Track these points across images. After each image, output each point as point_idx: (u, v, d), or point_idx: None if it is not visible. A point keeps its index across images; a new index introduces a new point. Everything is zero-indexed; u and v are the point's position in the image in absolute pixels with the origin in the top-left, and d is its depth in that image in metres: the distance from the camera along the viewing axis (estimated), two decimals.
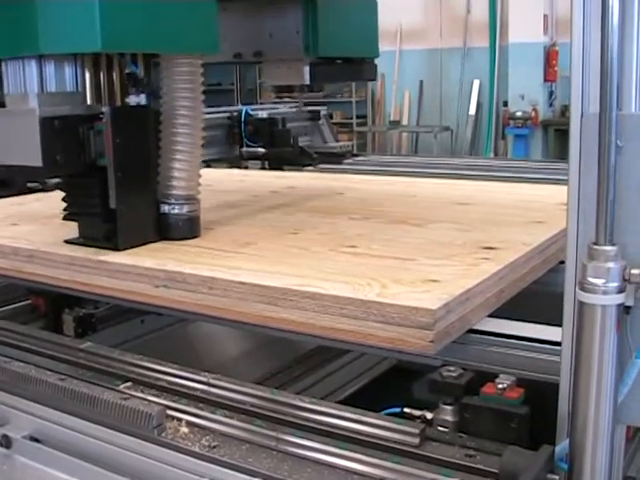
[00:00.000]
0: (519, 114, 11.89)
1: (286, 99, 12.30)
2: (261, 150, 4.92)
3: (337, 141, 5.93)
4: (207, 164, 4.92)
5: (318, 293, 1.75)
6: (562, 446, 1.43)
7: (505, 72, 12.61)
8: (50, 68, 2.18)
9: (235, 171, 4.59)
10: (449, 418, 1.66)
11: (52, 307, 2.78)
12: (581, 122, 1.35)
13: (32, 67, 2.17)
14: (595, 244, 1.32)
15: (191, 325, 3.01)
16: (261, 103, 6.08)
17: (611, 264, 1.30)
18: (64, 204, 2.35)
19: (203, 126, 2.42)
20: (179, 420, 1.73)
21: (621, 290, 1.31)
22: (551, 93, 12.11)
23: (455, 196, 3.07)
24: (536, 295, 2.14)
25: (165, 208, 2.34)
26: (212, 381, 1.85)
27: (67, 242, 2.32)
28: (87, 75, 2.22)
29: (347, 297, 1.71)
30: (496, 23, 13.14)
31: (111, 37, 2.02)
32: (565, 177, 1.41)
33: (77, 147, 2.17)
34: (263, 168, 4.92)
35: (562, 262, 2.09)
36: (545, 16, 11.83)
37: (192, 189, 2.38)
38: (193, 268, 2.00)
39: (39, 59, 2.17)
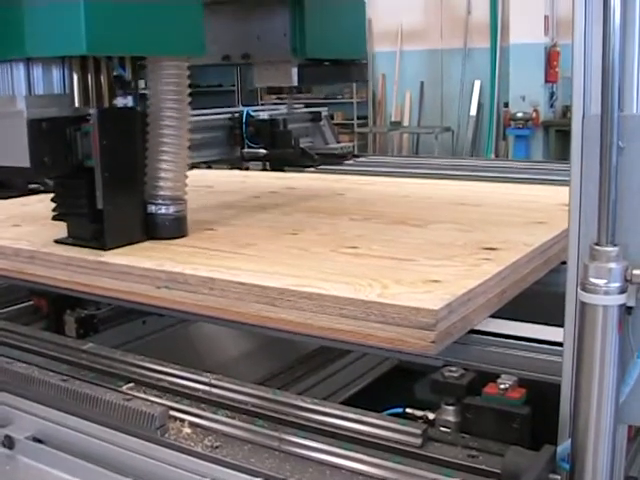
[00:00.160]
0: (520, 115, 11.89)
1: (286, 100, 12.31)
2: (262, 151, 4.92)
3: (338, 142, 5.93)
4: (208, 165, 4.93)
5: (319, 294, 1.75)
6: (564, 446, 1.43)
7: (506, 73, 12.61)
8: (38, 71, 2.22)
9: (236, 172, 4.59)
10: (451, 418, 1.67)
11: (54, 308, 2.78)
12: (583, 123, 1.35)
13: (20, 70, 2.21)
14: (597, 245, 1.32)
15: (193, 326, 3.01)
16: (262, 104, 6.08)
17: (613, 264, 1.30)
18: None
19: (189, 128, 2.45)
20: (182, 421, 1.74)
21: (623, 290, 1.31)
22: (552, 94, 12.11)
23: (456, 197, 3.07)
24: (538, 295, 2.14)
25: (152, 208, 2.37)
26: (214, 382, 1.85)
27: (57, 242, 2.35)
28: (75, 77, 2.25)
29: (348, 298, 1.71)
30: (497, 24, 13.15)
31: (97, 40, 2.05)
32: (566, 178, 1.41)
33: (64, 148, 2.21)
34: (264, 169, 4.92)
35: (563, 262, 2.10)
36: (546, 17, 11.83)
37: (179, 190, 2.42)
38: (194, 269, 2.01)
39: (27, 62, 2.21)
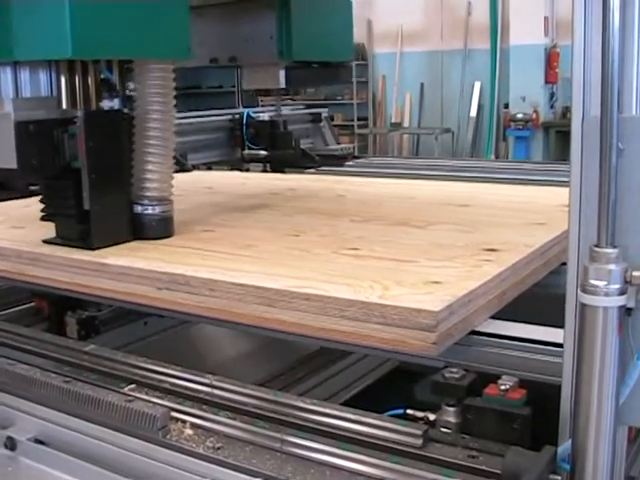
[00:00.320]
0: (520, 116, 11.92)
1: (288, 102, 12.31)
2: (263, 152, 4.93)
3: (338, 143, 5.94)
4: (208, 166, 4.94)
5: (320, 295, 1.76)
6: (564, 447, 1.43)
7: (506, 74, 12.63)
8: (25, 74, 2.28)
9: (236, 173, 4.60)
10: (452, 419, 1.67)
11: (55, 309, 2.79)
12: (582, 125, 1.35)
13: (7, 73, 2.26)
14: (597, 246, 1.32)
15: (194, 327, 3.02)
16: (262, 105, 6.08)
17: (612, 266, 1.31)
18: None
19: (175, 130, 2.48)
20: (183, 422, 1.74)
21: (622, 292, 1.31)
22: (552, 95, 12.13)
23: (456, 198, 3.07)
24: (538, 297, 2.14)
25: (139, 209, 2.41)
26: (215, 383, 1.86)
27: (45, 242, 2.38)
28: (62, 80, 2.29)
29: (349, 299, 1.71)
30: (497, 25, 13.17)
31: (82, 44, 2.08)
32: (566, 179, 1.42)
33: (52, 150, 2.24)
34: (265, 170, 4.93)
35: (563, 264, 2.10)
36: (546, 18, 11.85)
37: (165, 190, 2.45)
38: (195, 270, 2.01)
39: (14, 65, 2.26)
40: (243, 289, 1.87)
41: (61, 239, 2.36)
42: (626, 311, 1.33)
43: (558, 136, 11.83)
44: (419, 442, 1.56)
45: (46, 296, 2.75)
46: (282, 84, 2.98)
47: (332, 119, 6.15)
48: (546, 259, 2.21)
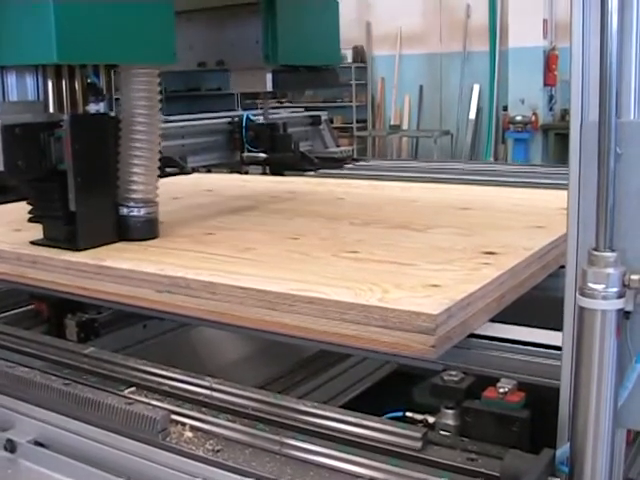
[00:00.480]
0: (519, 118, 11.93)
1: (286, 104, 12.30)
2: (262, 155, 4.94)
3: (338, 146, 5.94)
4: (208, 169, 4.95)
5: (320, 298, 1.76)
6: (563, 449, 1.44)
7: (505, 76, 12.65)
8: (12, 78, 2.32)
9: (236, 176, 4.61)
10: (451, 422, 1.68)
11: (55, 312, 2.79)
12: (581, 129, 1.36)
13: None
14: (595, 250, 1.33)
15: (193, 330, 3.02)
16: (261, 108, 6.09)
17: (611, 270, 1.31)
18: None
19: (160, 133, 2.52)
20: (183, 424, 1.74)
21: (621, 295, 1.32)
22: (551, 97, 12.14)
23: (455, 201, 3.08)
24: (536, 300, 2.15)
25: (124, 211, 2.46)
26: (215, 386, 1.86)
27: (32, 243, 2.42)
28: (49, 84, 2.32)
29: (349, 302, 1.72)
30: (496, 27, 13.19)
31: (67, 49, 2.12)
32: (565, 182, 1.42)
33: (38, 153, 2.29)
34: (264, 173, 4.94)
35: (562, 267, 2.11)
36: (545, 20, 11.86)
37: (150, 193, 2.50)
38: (195, 273, 2.02)
39: (1, 70, 2.29)
40: (244, 292, 1.87)
41: (48, 240, 2.41)
42: (624, 314, 1.34)
43: (557, 138, 11.85)
44: (418, 445, 1.57)
45: (45, 299, 2.75)
46: (269, 87, 3.04)
47: (331, 121, 6.15)
48: (545, 262, 2.22)
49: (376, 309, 1.68)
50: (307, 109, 6.48)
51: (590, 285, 1.32)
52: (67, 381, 1.97)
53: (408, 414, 1.74)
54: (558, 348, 1.51)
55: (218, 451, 1.64)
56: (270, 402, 1.78)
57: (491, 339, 1.79)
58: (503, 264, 2.02)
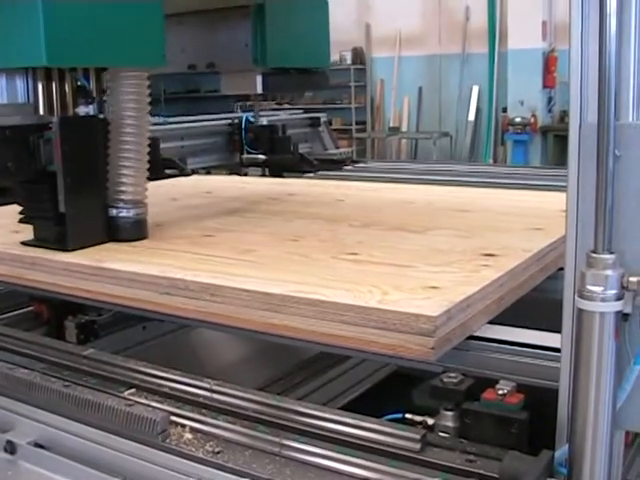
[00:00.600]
0: (518, 120, 11.93)
1: (286, 106, 12.30)
2: (261, 157, 4.95)
3: (337, 148, 5.95)
4: (207, 171, 4.96)
5: (319, 300, 1.76)
6: (562, 451, 1.44)
7: (504, 78, 12.65)
8: (2, 81, 2.34)
9: (235, 178, 4.61)
10: (450, 424, 1.68)
11: (55, 314, 2.79)
12: (580, 132, 1.37)
13: None
14: (594, 252, 1.33)
15: (193, 332, 3.02)
16: (260, 110, 6.11)
17: (609, 272, 1.32)
18: None
19: (149, 135, 2.55)
20: (183, 426, 1.74)
21: (619, 297, 1.32)
22: (550, 99, 12.15)
23: (455, 203, 3.08)
24: (535, 301, 2.15)
25: (113, 211, 2.48)
26: (215, 387, 1.86)
27: (23, 244, 2.44)
28: (40, 87, 2.34)
29: (348, 304, 1.72)
30: (495, 29, 13.20)
31: (56, 52, 2.15)
32: (564, 184, 1.43)
33: (28, 155, 2.31)
34: (263, 175, 4.95)
35: (561, 269, 2.11)
36: (544, 22, 11.87)
37: (139, 194, 2.52)
38: (195, 275, 2.02)
39: None
40: (243, 294, 1.88)
41: (38, 241, 2.43)
42: (623, 316, 1.35)
43: (556, 140, 11.86)
44: (417, 446, 1.57)
45: (45, 300, 2.75)
46: (259, 90, 3.07)
47: (330, 123, 6.16)
48: (544, 264, 2.22)
49: (375, 311, 1.68)
50: (306, 111, 6.49)
51: (589, 287, 1.33)
52: (67, 383, 1.97)
53: (407, 416, 1.75)
54: (557, 350, 1.51)
55: (218, 453, 1.64)
56: (270, 404, 1.78)
57: (490, 341, 1.79)
58: (502, 266, 2.02)
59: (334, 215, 2.88)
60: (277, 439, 1.66)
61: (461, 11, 13.58)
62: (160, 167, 4.43)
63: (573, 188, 1.39)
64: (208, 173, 4.89)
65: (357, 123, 14.94)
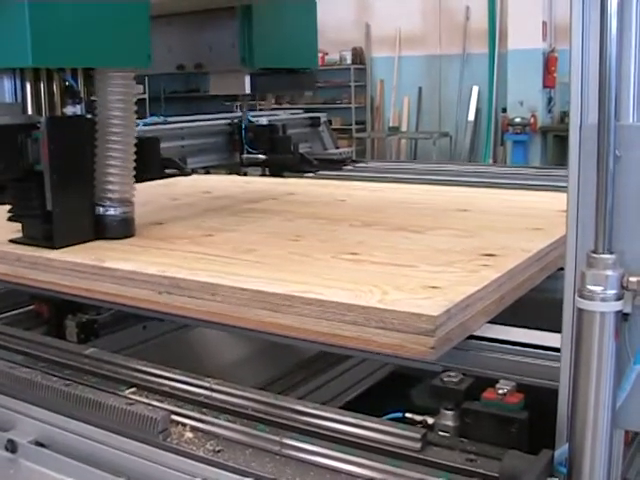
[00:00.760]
0: (518, 120, 11.94)
1: (285, 105, 12.32)
2: (261, 156, 4.95)
3: (337, 147, 5.96)
4: (206, 170, 4.96)
5: (320, 300, 1.77)
6: (561, 450, 1.45)
7: (504, 78, 12.66)
8: None
9: (235, 177, 4.61)
10: (450, 423, 1.68)
11: (55, 313, 2.80)
12: (580, 132, 1.37)
13: None
14: (594, 252, 1.34)
15: (193, 331, 3.03)
16: (260, 109, 6.12)
17: (609, 272, 1.32)
18: None
19: (136, 134, 2.58)
20: (183, 425, 1.75)
21: (619, 297, 1.33)
22: (550, 99, 12.16)
23: (454, 203, 3.09)
24: (535, 301, 2.16)
25: (100, 210, 2.51)
26: (215, 386, 1.87)
27: (12, 242, 2.47)
28: (28, 87, 2.37)
29: (349, 304, 1.72)
30: (495, 30, 13.20)
31: (42, 53, 2.18)
32: (563, 184, 1.43)
33: (16, 154, 2.34)
34: (263, 175, 4.95)
35: (561, 269, 2.12)
36: (544, 22, 11.88)
37: (126, 192, 2.55)
38: (195, 275, 2.02)
39: None
40: (244, 293, 1.88)
41: (27, 239, 2.46)
42: (623, 316, 1.35)
43: (556, 140, 11.86)
44: (418, 445, 1.57)
45: (46, 300, 2.76)
46: (247, 90, 3.13)
47: (330, 123, 6.16)
48: (543, 264, 2.23)
49: (376, 310, 1.68)
50: (306, 111, 6.49)
51: (589, 287, 1.33)
52: (68, 382, 1.98)
53: (407, 415, 1.75)
54: (557, 350, 1.52)
55: (218, 451, 1.65)
56: (270, 403, 1.79)
57: (490, 340, 1.80)
58: (502, 266, 2.03)
59: (334, 215, 2.89)
60: (277, 438, 1.66)
61: (461, 11, 13.59)
62: (160, 167, 4.43)
63: (573, 188, 1.39)
64: (207, 173, 4.89)
65: (357, 123, 14.95)
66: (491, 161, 12.98)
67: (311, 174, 4.73)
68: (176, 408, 1.82)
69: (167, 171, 4.45)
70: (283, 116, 5.84)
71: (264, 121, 5.20)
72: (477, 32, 13.47)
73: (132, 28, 2.42)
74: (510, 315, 1.95)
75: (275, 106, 12.18)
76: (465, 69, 13.70)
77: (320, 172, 4.80)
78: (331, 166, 5.09)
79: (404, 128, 14.46)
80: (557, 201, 2.89)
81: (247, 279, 1.95)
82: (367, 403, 2.37)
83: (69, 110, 2.43)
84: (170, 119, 5.25)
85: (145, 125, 4.90)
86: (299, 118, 5.89)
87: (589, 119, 1.37)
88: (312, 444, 1.64)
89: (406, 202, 3.18)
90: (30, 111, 2.37)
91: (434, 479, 1.50)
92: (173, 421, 1.76)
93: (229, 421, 1.76)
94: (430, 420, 1.71)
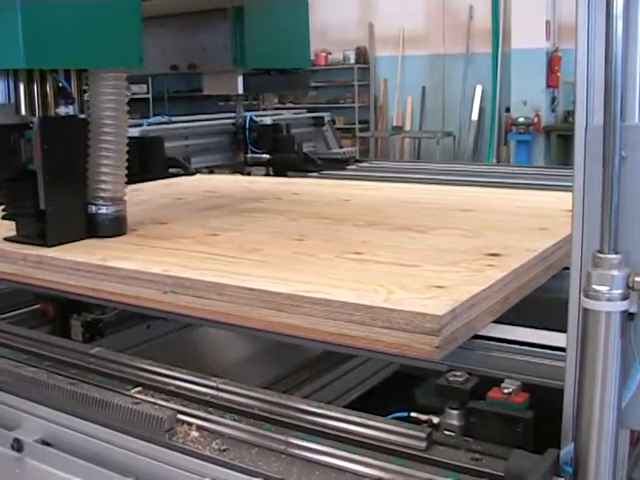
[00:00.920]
0: (521, 120, 11.95)
1: (289, 105, 12.32)
2: (265, 156, 4.95)
3: (341, 147, 5.96)
4: (210, 170, 4.96)
5: (325, 299, 1.77)
6: (567, 450, 1.45)
7: (507, 78, 12.66)
8: None
9: (239, 177, 4.62)
10: (455, 422, 1.69)
11: (60, 312, 2.81)
12: (585, 133, 1.37)
13: None
14: (599, 252, 1.34)
15: (197, 330, 3.03)
16: (264, 109, 6.12)
17: (615, 272, 1.32)
18: None
19: (128, 134, 2.61)
20: (189, 424, 1.75)
21: (625, 297, 1.33)
22: (553, 99, 12.15)
23: (459, 202, 3.09)
24: (540, 301, 2.16)
25: (93, 208, 2.55)
26: (221, 386, 1.87)
27: (6, 240, 2.50)
28: (21, 87, 2.40)
29: (354, 303, 1.73)
30: (498, 29, 13.19)
31: (35, 54, 2.21)
32: (567, 183, 1.44)
33: (9, 153, 2.38)
34: (267, 174, 4.95)
35: (565, 268, 2.12)
36: (547, 22, 11.88)
37: (118, 191, 2.59)
38: (200, 274, 2.03)
39: None
40: (249, 293, 1.88)
41: (21, 237, 2.49)
42: (628, 316, 1.35)
43: (559, 140, 11.86)
44: (423, 445, 1.58)
45: (51, 299, 2.77)
46: (240, 90, 3.16)
47: (333, 122, 6.16)
48: (548, 264, 2.23)
49: (381, 310, 1.69)
50: (309, 110, 6.49)
51: (594, 287, 1.34)
52: (73, 381, 1.98)
53: (413, 414, 1.75)
54: (562, 349, 1.52)
55: (224, 451, 1.65)
56: (276, 402, 1.79)
57: (495, 340, 1.80)
58: (507, 266, 2.03)
59: (339, 214, 2.89)
60: (283, 437, 1.67)
61: (464, 10, 13.59)
62: (164, 166, 4.43)
63: (579, 189, 1.39)
64: (211, 172, 4.89)
65: (360, 122, 14.94)
66: (494, 161, 12.99)
67: (315, 174, 4.73)
68: (182, 407, 1.83)
69: (171, 171, 4.45)
70: (287, 116, 5.84)
71: (268, 121, 5.20)
72: (480, 31, 13.46)
73: (124, 30, 2.45)
74: (515, 315, 1.96)
75: (278, 105, 12.20)
76: (468, 68, 13.70)
77: (324, 172, 4.80)
78: (335, 166, 5.09)
79: (407, 127, 14.47)
80: (561, 200, 2.90)
81: (252, 279, 1.95)
82: (371, 402, 2.38)
83: (62, 110, 2.46)
84: (174, 119, 5.26)
85: (149, 125, 4.91)
86: (303, 118, 5.89)
87: (595, 120, 1.37)
88: (318, 443, 1.64)
89: (410, 202, 3.18)
90: (23, 111, 2.41)
91: (439, 478, 1.50)
92: (179, 420, 1.76)
93: (235, 420, 1.76)
94: (435, 419, 1.72)
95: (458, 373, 1.73)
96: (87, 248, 2.40)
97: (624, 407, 1.39)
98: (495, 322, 1.89)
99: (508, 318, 1.92)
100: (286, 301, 1.83)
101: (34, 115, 2.40)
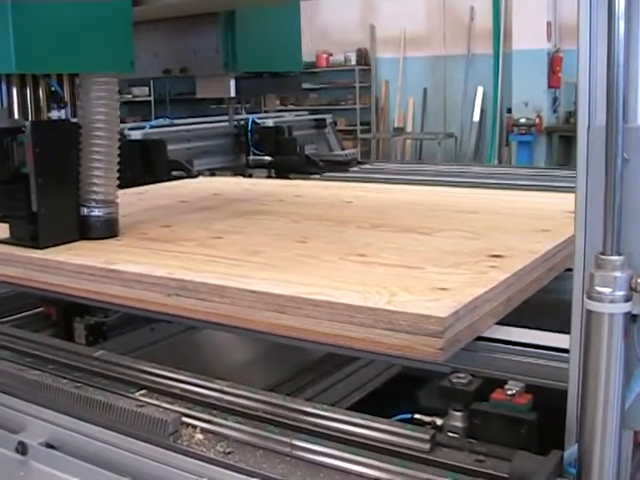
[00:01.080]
0: (523, 121, 11.95)
1: (290, 107, 12.32)
2: (267, 158, 4.96)
3: (343, 149, 5.96)
4: (212, 172, 4.96)
5: (329, 301, 1.77)
6: (571, 451, 1.45)
7: (509, 79, 12.66)
8: None
9: (241, 179, 4.62)
10: (459, 424, 1.69)
11: (64, 315, 2.81)
12: (588, 134, 1.37)
13: None
14: (602, 254, 1.34)
15: (200, 333, 3.04)
16: (266, 111, 6.13)
17: (618, 273, 1.33)
18: None
19: (119, 137, 2.64)
20: (194, 427, 1.76)
21: (628, 299, 1.33)
22: (555, 99, 12.16)
23: (461, 204, 3.09)
24: (542, 302, 2.16)
25: (85, 211, 2.58)
26: (225, 388, 1.87)
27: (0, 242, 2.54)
28: (14, 92, 2.43)
29: (357, 305, 1.73)
30: (500, 30, 13.20)
31: (25, 59, 2.24)
32: (569, 184, 1.44)
33: (2, 157, 2.42)
34: (269, 176, 4.95)
35: (568, 270, 2.12)
36: (549, 23, 11.89)
37: (110, 194, 2.62)
38: (204, 277, 2.03)
39: None
40: (253, 295, 1.89)
41: (14, 239, 2.52)
42: (631, 317, 1.35)
43: (561, 141, 11.86)
44: (427, 446, 1.58)
45: (54, 302, 2.77)
46: (232, 93, 3.18)
47: (335, 124, 6.17)
48: (551, 265, 2.23)
49: (384, 312, 1.69)
50: (311, 112, 6.50)
51: (597, 289, 1.34)
52: (78, 384, 1.99)
53: (416, 416, 1.75)
54: (565, 351, 1.52)
55: (229, 453, 1.66)
56: (280, 404, 1.79)
57: (498, 342, 1.80)
58: (509, 267, 2.03)
59: (341, 216, 2.89)
60: (287, 439, 1.67)
61: (465, 12, 13.59)
62: (167, 169, 4.45)
63: (582, 191, 1.40)
64: (213, 174, 4.90)
65: (362, 124, 14.95)
66: (496, 162, 12.99)
67: (317, 176, 4.73)
68: (186, 410, 1.83)
69: (173, 173, 4.46)
70: (289, 118, 5.85)
71: (270, 123, 5.21)
72: (482, 32, 13.47)
73: (115, 34, 2.47)
74: (518, 316, 1.96)
75: (280, 107, 12.20)
76: (470, 69, 13.70)
77: (326, 174, 4.80)
78: (337, 168, 5.09)
79: (409, 129, 14.47)
80: (563, 202, 2.89)
81: (255, 281, 1.96)
82: (375, 404, 2.38)
83: (54, 114, 2.49)
84: (176, 121, 5.27)
85: (151, 127, 4.91)
86: (305, 120, 5.90)
87: (597, 121, 1.37)
88: (322, 445, 1.64)
89: (413, 203, 3.19)
90: (16, 115, 2.44)
91: None
92: (183, 423, 1.76)
93: (239, 423, 1.76)
94: (439, 421, 1.72)
95: (461, 375, 1.74)
96: (91, 251, 2.40)
97: (627, 408, 1.39)
98: (498, 324, 1.89)
99: (511, 320, 1.92)
100: (288, 303, 1.83)
101: (27, 119, 2.43)
